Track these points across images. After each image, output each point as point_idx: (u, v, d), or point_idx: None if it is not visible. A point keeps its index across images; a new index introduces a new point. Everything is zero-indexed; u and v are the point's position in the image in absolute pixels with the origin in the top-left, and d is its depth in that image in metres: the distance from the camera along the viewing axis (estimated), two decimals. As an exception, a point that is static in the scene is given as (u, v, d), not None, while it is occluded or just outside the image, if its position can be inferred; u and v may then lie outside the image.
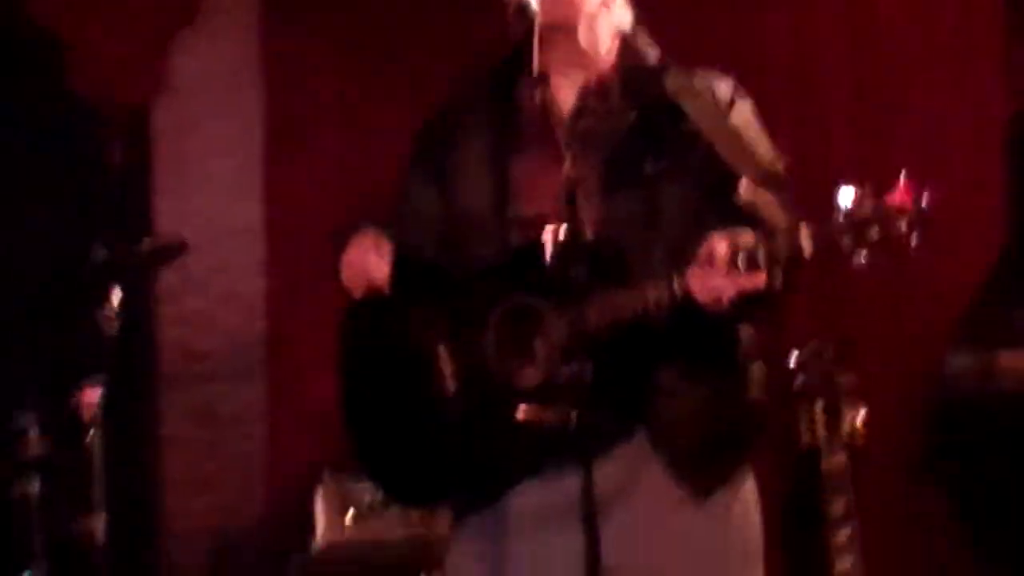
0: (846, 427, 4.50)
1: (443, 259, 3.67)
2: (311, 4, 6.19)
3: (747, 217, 3.30)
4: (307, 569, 5.37)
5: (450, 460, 3.55)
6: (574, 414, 3.14)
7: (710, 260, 3.21)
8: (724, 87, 3.58)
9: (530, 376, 3.39)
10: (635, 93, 3.56)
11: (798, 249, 3.18)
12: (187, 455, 6.22)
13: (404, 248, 3.67)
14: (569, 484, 3.21)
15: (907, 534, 5.30)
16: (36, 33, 6.13)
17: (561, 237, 3.23)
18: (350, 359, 3.75)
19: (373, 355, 3.71)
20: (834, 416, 4.52)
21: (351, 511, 5.32)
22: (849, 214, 3.14)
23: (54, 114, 6.23)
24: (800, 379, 4.63)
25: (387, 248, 3.63)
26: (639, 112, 3.53)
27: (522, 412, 3.32)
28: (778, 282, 3.23)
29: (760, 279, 3.19)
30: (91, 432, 5.01)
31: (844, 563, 4.47)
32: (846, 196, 3.14)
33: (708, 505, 3.43)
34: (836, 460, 4.48)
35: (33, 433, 5.09)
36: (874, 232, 3.12)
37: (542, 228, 3.31)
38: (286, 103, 6.19)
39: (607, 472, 3.23)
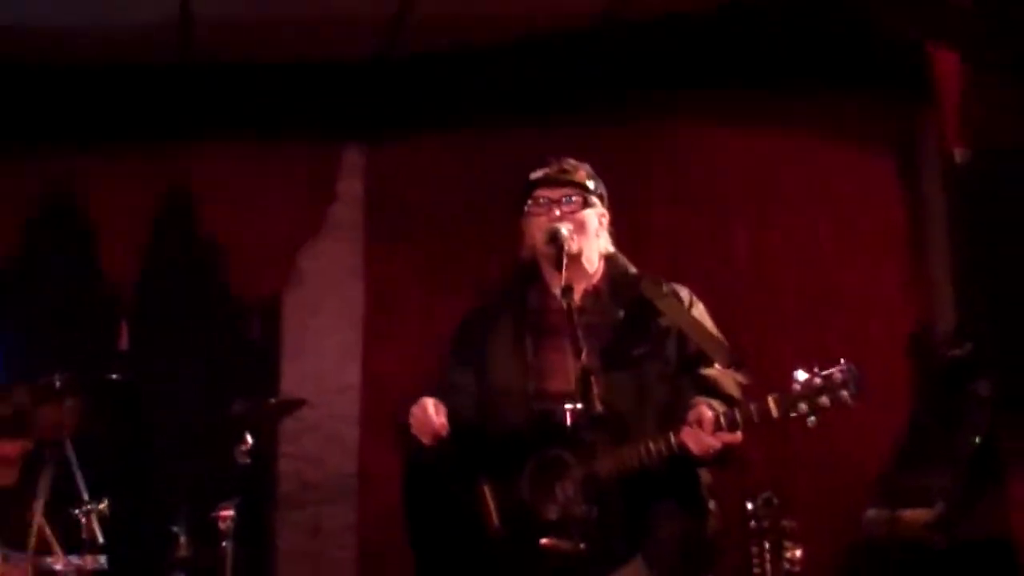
0: (787, 560, 4.58)
1: (480, 422, 3.71)
2: (402, 226, 6.15)
3: (710, 388, 3.48)
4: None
5: None
6: (583, 545, 3.23)
7: (699, 422, 3.35)
8: (684, 293, 3.70)
9: (552, 511, 3.47)
10: (620, 296, 3.67)
11: (767, 413, 3.33)
12: (297, 563, 6.11)
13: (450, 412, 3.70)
14: None
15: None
16: (202, 241, 6.22)
17: (577, 410, 3.33)
18: (412, 500, 3.78)
19: (431, 496, 3.73)
20: (779, 551, 4.58)
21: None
22: (805, 386, 3.29)
23: (211, 303, 6.29)
24: (754, 522, 4.67)
25: (442, 407, 3.67)
26: (625, 310, 3.63)
27: (545, 541, 3.38)
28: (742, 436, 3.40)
29: (738, 436, 3.36)
30: (226, 541, 4.98)
31: (790, 666, 4.55)
32: (801, 375, 3.30)
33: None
34: (779, 585, 4.55)
35: (183, 539, 5.07)
36: (824, 400, 3.27)
37: (561, 400, 3.45)
38: (381, 296, 6.14)
39: None
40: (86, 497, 4.86)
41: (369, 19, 5.67)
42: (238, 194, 6.17)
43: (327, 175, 6.27)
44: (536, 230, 3.66)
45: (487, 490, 3.58)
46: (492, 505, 3.57)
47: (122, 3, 5.48)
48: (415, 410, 3.70)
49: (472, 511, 3.58)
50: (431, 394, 3.76)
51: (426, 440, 3.68)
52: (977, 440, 4.62)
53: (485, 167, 5.89)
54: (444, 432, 3.66)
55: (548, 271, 3.64)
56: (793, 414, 3.32)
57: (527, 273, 3.74)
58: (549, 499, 3.50)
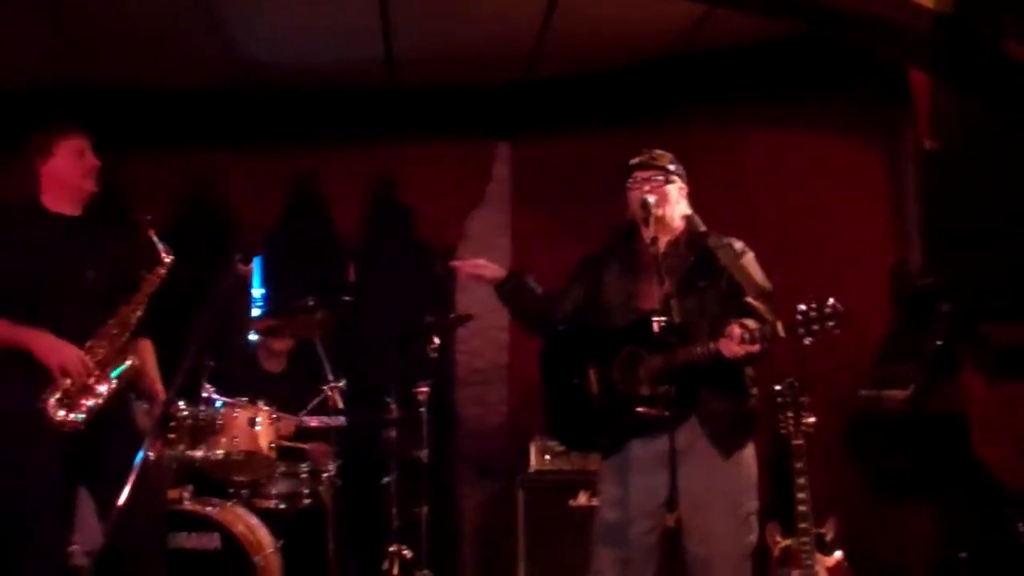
0: (805, 425, 4.51)
1: (591, 324, 3.69)
2: (536, 199, 6.11)
3: (750, 312, 3.45)
4: (525, 483, 5.25)
5: (595, 428, 3.64)
6: (666, 412, 3.33)
7: (731, 336, 3.36)
8: (739, 244, 3.66)
9: (644, 389, 3.49)
10: (692, 246, 3.64)
11: (776, 334, 3.36)
12: (470, 424, 6.18)
13: (559, 314, 3.73)
14: (660, 445, 3.34)
15: (835, 478, 5.15)
16: (403, 208, 6.17)
17: (661, 321, 3.37)
18: (545, 372, 3.79)
19: (557, 370, 3.75)
20: (797, 418, 4.53)
21: (547, 455, 5.34)
22: (804, 317, 3.30)
23: (409, 250, 6.30)
24: (780, 399, 4.57)
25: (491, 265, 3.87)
26: (695, 256, 3.61)
27: (642, 410, 3.44)
28: (765, 348, 3.38)
29: (756, 348, 3.36)
30: (422, 408, 5.16)
31: (801, 493, 4.44)
32: (802, 307, 3.30)
33: (731, 459, 3.54)
34: (798, 441, 4.50)
35: (394, 406, 5.21)
36: (815, 327, 3.29)
37: (650, 314, 3.44)
38: (522, 247, 6.08)
39: (679, 440, 3.31)
40: (331, 378, 5.06)
41: (512, 53, 5.58)
42: (426, 176, 6.13)
43: (485, 164, 6.21)
44: (633, 200, 3.63)
45: (592, 371, 3.60)
46: (595, 381, 3.58)
47: (349, 46, 5.39)
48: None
49: (583, 384, 3.61)
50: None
51: (492, 273, 3.83)
52: (939, 343, 4.62)
53: (594, 157, 5.66)
54: (490, 270, 3.83)
55: (642, 228, 3.57)
56: (793, 335, 3.31)
57: (629, 229, 3.70)
58: (635, 380, 3.48)
